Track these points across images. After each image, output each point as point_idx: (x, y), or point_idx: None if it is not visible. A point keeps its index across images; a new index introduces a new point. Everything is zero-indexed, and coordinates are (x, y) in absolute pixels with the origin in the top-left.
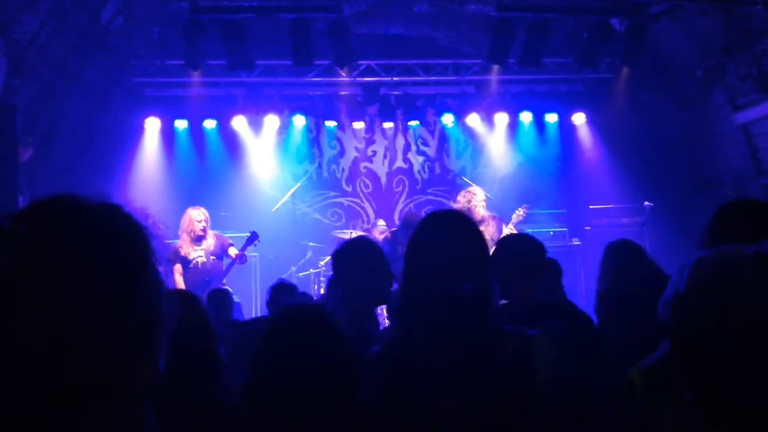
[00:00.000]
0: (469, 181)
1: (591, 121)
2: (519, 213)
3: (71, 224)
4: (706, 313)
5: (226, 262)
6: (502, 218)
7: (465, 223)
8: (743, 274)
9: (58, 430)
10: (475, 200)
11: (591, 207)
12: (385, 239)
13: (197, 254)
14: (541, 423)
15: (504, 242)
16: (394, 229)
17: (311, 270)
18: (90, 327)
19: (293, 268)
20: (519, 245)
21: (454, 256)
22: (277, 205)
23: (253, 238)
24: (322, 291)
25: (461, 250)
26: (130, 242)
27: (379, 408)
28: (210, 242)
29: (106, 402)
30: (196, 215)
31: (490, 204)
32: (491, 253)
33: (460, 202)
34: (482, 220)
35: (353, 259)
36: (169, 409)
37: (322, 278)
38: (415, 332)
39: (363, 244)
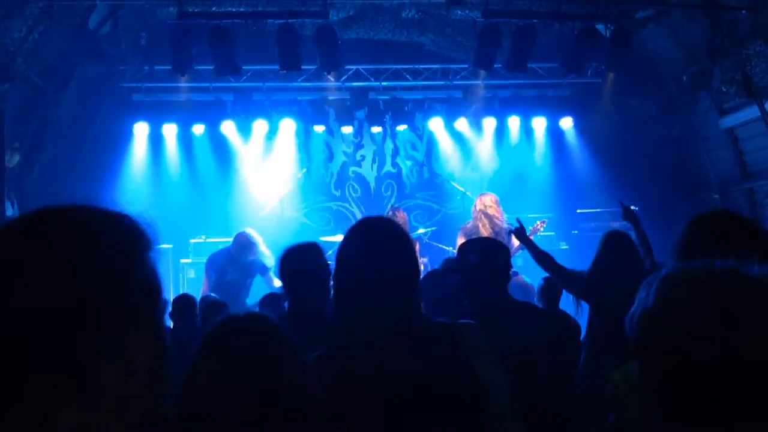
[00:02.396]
0: (458, 186)
1: (578, 126)
2: (537, 227)
3: (60, 230)
4: (672, 332)
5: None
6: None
7: (387, 228)
8: (707, 293)
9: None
10: (478, 206)
11: (578, 211)
12: None
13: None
14: (500, 416)
15: (471, 244)
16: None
17: None
18: (69, 325)
19: None
20: (487, 247)
21: (375, 258)
22: (266, 210)
23: None
24: None
25: (382, 252)
26: (119, 247)
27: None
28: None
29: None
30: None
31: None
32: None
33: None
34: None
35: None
36: None
37: None
38: (346, 333)
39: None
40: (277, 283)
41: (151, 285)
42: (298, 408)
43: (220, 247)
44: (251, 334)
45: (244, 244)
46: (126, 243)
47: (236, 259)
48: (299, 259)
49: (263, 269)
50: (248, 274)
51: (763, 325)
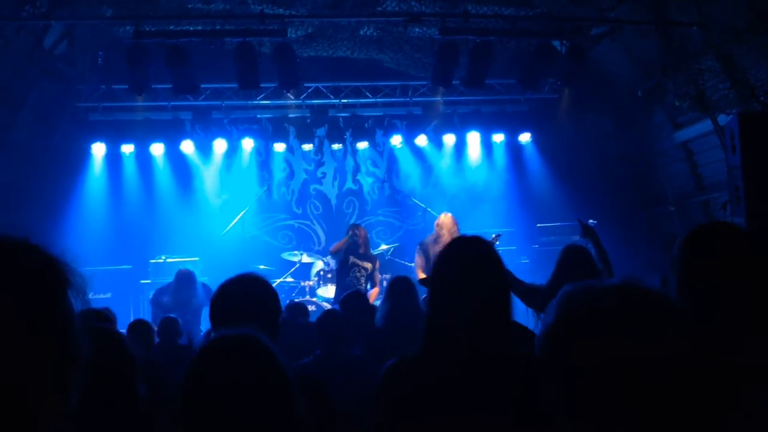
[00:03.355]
0: (418, 202)
1: (536, 141)
2: (493, 240)
3: None
4: (569, 346)
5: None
6: None
7: (483, 251)
8: (600, 308)
9: None
10: (439, 228)
11: (539, 225)
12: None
13: None
14: None
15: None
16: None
17: None
18: None
19: None
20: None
21: (473, 284)
22: (227, 229)
23: None
24: None
25: (479, 279)
26: (38, 281)
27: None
28: None
29: None
30: None
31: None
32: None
33: (435, 230)
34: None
35: None
36: None
37: None
38: (436, 353)
39: None
40: None
41: (71, 325)
42: (282, 427)
43: (186, 266)
44: (240, 353)
45: (182, 280)
46: (40, 283)
47: (177, 297)
48: (239, 297)
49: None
50: (188, 312)
51: (655, 338)
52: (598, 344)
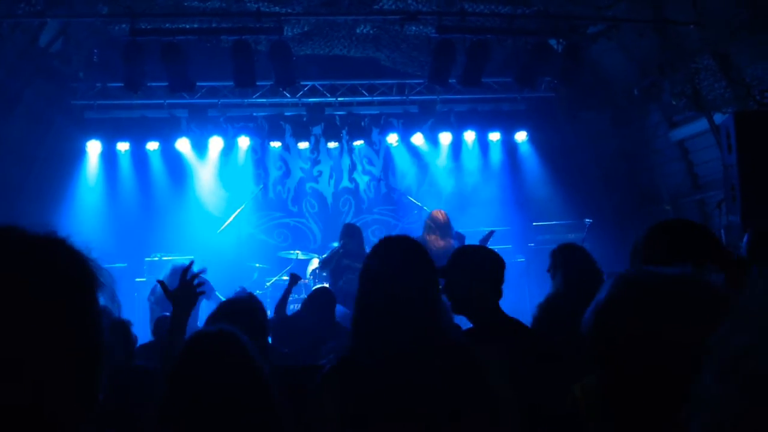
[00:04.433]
0: (414, 201)
1: (533, 139)
2: (486, 238)
3: (8, 256)
4: (618, 327)
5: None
6: (464, 236)
7: (412, 248)
8: (654, 293)
9: None
10: (430, 222)
11: (534, 224)
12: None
13: None
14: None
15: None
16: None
17: (258, 291)
18: (18, 356)
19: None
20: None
21: (403, 279)
22: (223, 227)
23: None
24: (268, 312)
25: (409, 274)
26: (67, 276)
27: (336, 416)
28: None
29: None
30: None
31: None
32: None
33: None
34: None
35: None
36: None
37: (268, 299)
38: (371, 348)
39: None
40: None
41: (99, 321)
42: (258, 418)
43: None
44: (218, 351)
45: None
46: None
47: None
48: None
49: (207, 292)
50: None
51: (700, 325)
52: (650, 326)
